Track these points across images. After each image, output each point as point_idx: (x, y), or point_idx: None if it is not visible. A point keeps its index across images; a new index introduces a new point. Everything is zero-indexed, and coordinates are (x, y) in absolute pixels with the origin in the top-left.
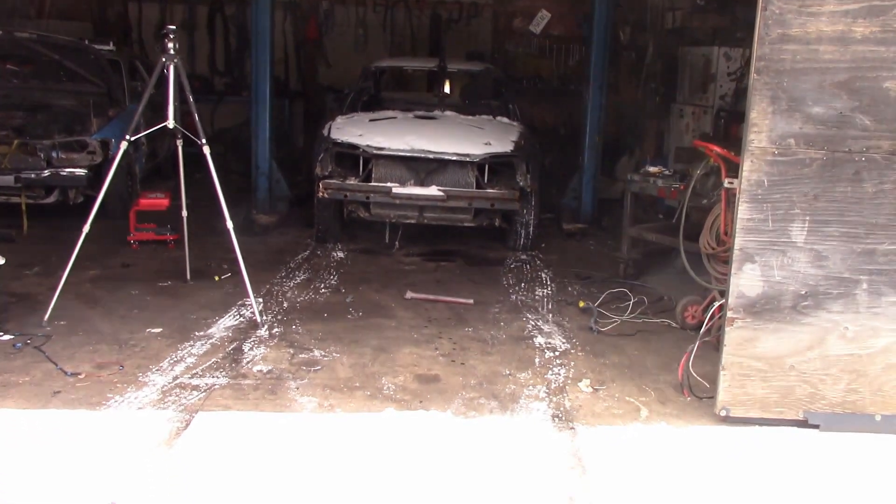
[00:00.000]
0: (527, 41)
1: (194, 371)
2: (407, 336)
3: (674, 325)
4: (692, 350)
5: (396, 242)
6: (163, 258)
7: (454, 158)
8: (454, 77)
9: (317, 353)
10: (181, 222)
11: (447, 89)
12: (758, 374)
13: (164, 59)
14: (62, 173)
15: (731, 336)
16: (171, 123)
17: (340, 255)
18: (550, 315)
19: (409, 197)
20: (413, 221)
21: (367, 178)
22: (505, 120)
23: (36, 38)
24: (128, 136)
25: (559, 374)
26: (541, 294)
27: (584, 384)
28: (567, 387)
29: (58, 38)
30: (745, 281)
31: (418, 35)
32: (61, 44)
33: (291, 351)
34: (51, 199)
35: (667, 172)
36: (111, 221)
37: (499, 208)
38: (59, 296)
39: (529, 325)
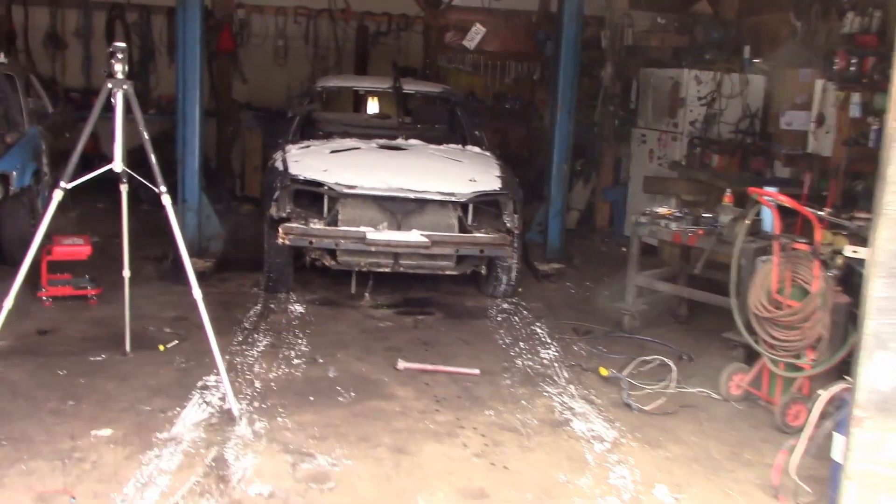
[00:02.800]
0: (460, 56)
1: (174, 501)
2: (421, 427)
3: (714, 395)
4: (793, 449)
5: (366, 294)
6: (86, 319)
7: (438, 198)
8: (410, 100)
9: (321, 459)
10: (122, 283)
11: (403, 113)
12: (891, 484)
13: (110, 85)
14: None
15: (859, 439)
16: (118, 167)
17: (299, 308)
18: (572, 387)
19: (388, 244)
20: (387, 270)
21: (333, 220)
22: (476, 149)
23: None
24: (63, 183)
25: (625, 478)
26: (547, 357)
27: (662, 492)
28: (642, 497)
29: None
30: (878, 373)
31: (344, 48)
32: None
33: (289, 458)
34: None
35: (678, 214)
36: (11, 268)
37: (488, 254)
38: None
39: (556, 404)
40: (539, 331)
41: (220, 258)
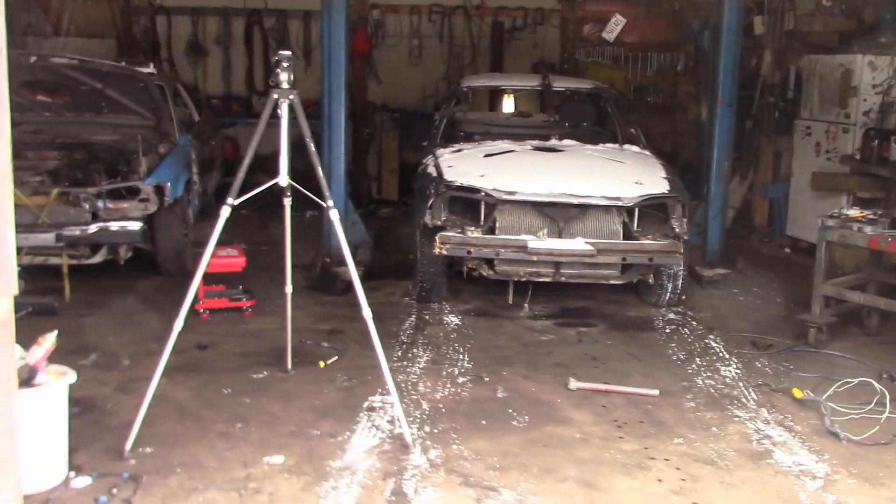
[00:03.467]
0: (599, 49)
1: None
2: (608, 457)
3: None
4: None
5: (526, 305)
6: (243, 333)
7: (603, 203)
8: (561, 97)
9: (507, 495)
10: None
11: (556, 112)
12: None
13: (276, 95)
14: (112, 228)
15: None
16: (284, 180)
17: (454, 319)
18: (764, 411)
19: (550, 252)
20: (548, 280)
21: (491, 228)
22: (635, 149)
23: (76, 64)
24: (230, 200)
25: None
26: (729, 375)
27: None
28: None
29: (101, 62)
30: None
31: (479, 45)
32: (105, 69)
33: (473, 494)
34: (97, 259)
35: (871, 216)
36: (165, 279)
37: (657, 262)
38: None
39: (750, 430)
40: (714, 344)
41: (369, 265)
